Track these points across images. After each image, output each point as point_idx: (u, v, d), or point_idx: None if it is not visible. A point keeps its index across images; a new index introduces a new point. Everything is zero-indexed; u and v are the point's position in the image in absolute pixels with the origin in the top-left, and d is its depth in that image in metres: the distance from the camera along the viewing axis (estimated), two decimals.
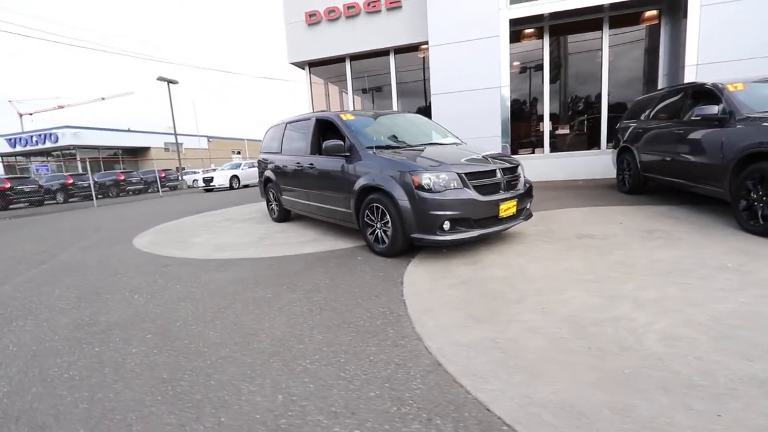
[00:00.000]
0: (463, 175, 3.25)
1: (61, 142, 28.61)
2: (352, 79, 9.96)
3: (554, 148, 8.92)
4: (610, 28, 8.08)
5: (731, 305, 2.11)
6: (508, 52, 7.96)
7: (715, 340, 1.78)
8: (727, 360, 1.61)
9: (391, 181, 3.38)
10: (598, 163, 8.19)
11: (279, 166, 5.50)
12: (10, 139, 30.82)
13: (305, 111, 9.63)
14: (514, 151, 8.74)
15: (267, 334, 2.17)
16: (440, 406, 1.46)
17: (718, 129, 3.95)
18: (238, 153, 44.82)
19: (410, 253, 3.60)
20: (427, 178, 3.19)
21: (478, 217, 3.26)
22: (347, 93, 10.29)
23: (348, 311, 2.41)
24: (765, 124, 3.41)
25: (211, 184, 16.30)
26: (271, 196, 5.96)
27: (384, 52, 9.48)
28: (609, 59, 8.18)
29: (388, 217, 3.45)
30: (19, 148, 30.55)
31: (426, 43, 8.73)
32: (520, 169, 3.78)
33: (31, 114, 40.70)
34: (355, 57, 9.76)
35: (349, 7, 9.12)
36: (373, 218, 3.66)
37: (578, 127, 9.02)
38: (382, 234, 3.59)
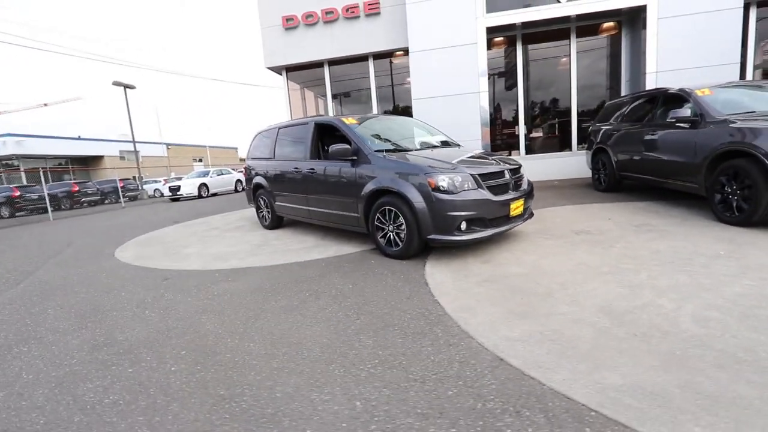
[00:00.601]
0: (476, 176, 3.34)
1: (2, 152, 26.07)
2: (331, 83, 9.91)
3: (529, 150, 9.34)
4: (576, 37, 8.63)
5: (740, 288, 2.33)
6: (485, 59, 8.28)
7: (740, 320, 1.95)
8: (758, 336, 1.78)
9: (405, 183, 3.41)
10: (571, 163, 8.67)
11: (272, 171, 5.36)
12: None
13: (282, 116, 9.46)
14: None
15: (313, 342, 2.11)
16: (522, 398, 1.50)
17: (691, 130, 4.33)
18: (200, 161, 42.98)
19: (421, 255, 3.64)
20: (443, 180, 3.25)
21: (492, 216, 3.36)
22: (323, 98, 10.23)
23: (386, 314, 2.40)
24: (734, 125, 3.79)
25: (178, 193, 15.51)
26: (262, 203, 5.79)
27: (363, 58, 9.53)
28: (577, 66, 8.72)
29: (402, 220, 3.47)
30: None
31: (405, 49, 8.89)
32: (522, 170, 3.95)
33: None
34: (333, 62, 9.73)
35: (328, 12, 9.08)
36: (384, 221, 3.67)
37: (550, 130, 9.51)
38: (395, 237, 3.60)
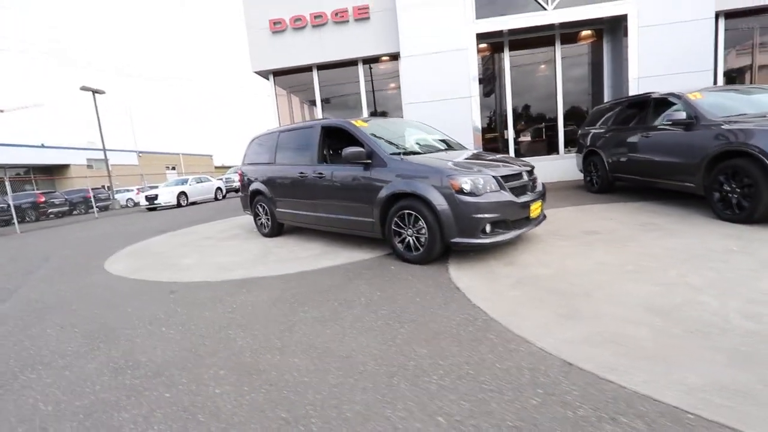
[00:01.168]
0: (499, 177, 3.32)
1: None
2: (320, 88, 9.77)
3: (518, 154, 9.52)
4: (561, 44, 8.91)
5: None
6: (476, 64, 8.41)
7: None
8: None
9: (426, 186, 3.35)
10: (558, 166, 8.91)
11: (273, 177, 5.17)
12: None
13: (264, 122, 9.24)
14: None
15: (364, 354, 1.99)
16: (610, 404, 1.45)
17: (686, 132, 4.50)
18: (173, 169, 41.44)
19: (440, 259, 3.57)
20: (466, 182, 3.20)
21: (515, 218, 3.35)
22: (308, 104, 10.08)
23: (429, 322, 2.32)
24: (729, 127, 3.96)
25: (156, 202, 14.82)
26: (261, 210, 5.58)
27: (352, 63, 9.46)
28: (562, 72, 9.00)
29: (423, 224, 3.41)
30: None
31: (395, 54, 8.90)
32: (536, 172, 3.97)
33: None
34: (322, 67, 9.61)
35: (316, 16, 8.98)
36: (402, 226, 3.59)
37: (537, 134, 9.75)
38: (415, 241, 3.52)
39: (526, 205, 3.42)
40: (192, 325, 2.61)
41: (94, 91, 19.31)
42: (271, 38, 9.21)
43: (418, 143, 4.52)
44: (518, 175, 3.55)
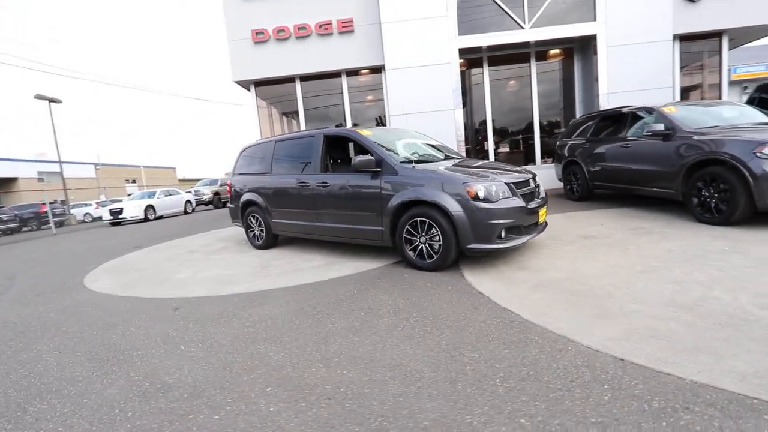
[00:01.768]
0: (511, 184, 3.42)
1: None
2: (303, 99, 9.69)
3: None
4: (536, 60, 9.42)
5: None
6: (459, 78, 8.70)
7: None
8: None
9: (441, 193, 3.38)
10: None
11: (269, 187, 5.02)
12: None
13: (238, 134, 9.06)
14: None
15: (415, 362, 1.95)
16: (678, 395, 1.50)
17: (664, 142, 4.86)
18: (134, 182, 39.28)
19: (451, 267, 3.58)
20: (481, 189, 3.27)
21: (527, 223, 3.44)
22: (288, 115, 9.97)
23: (467, 326, 2.31)
24: (705, 137, 4.32)
25: (121, 216, 13.92)
26: (254, 221, 5.39)
27: (336, 74, 9.49)
28: (537, 87, 9.49)
29: (436, 231, 3.43)
30: None
31: (379, 66, 9.03)
32: (538, 179, 4.12)
33: None
34: (305, 78, 9.56)
35: (300, 28, 8.96)
36: (415, 233, 3.59)
37: (514, 145, 10.16)
38: (428, 248, 3.53)
39: (535, 211, 3.54)
40: (213, 341, 2.45)
41: (50, 100, 18.07)
42: (254, 48, 9.07)
43: (416, 152, 4.57)
44: (526, 182, 3.67)
